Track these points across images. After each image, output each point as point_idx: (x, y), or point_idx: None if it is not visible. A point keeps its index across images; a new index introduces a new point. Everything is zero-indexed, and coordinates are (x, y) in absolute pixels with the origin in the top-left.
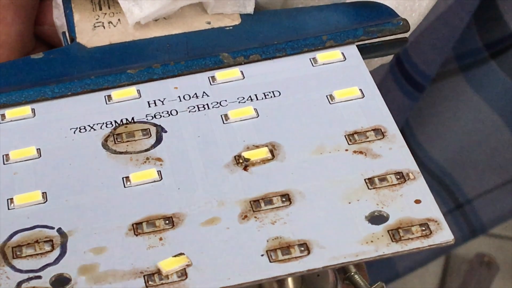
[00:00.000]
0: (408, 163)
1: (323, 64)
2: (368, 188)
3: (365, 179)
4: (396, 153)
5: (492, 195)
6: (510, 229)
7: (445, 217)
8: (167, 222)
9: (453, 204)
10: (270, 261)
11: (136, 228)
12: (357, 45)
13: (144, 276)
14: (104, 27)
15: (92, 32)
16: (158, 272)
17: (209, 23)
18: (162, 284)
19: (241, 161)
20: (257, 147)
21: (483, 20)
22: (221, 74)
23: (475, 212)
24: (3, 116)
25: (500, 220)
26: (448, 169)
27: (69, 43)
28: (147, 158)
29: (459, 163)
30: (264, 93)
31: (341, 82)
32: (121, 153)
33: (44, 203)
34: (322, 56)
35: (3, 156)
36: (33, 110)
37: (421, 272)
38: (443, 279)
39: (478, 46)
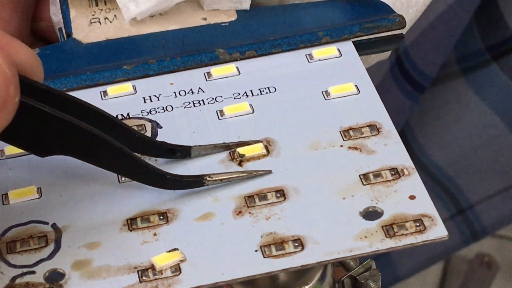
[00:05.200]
0: (403, 159)
1: (319, 60)
2: (363, 184)
3: (359, 175)
4: (391, 149)
5: (495, 200)
6: (510, 229)
7: (447, 222)
8: (161, 217)
9: (455, 209)
10: (264, 257)
11: (131, 223)
12: (353, 41)
13: (138, 271)
14: (100, 23)
15: (88, 28)
16: (152, 267)
17: (205, 19)
18: (156, 279)
19: (236, 156)
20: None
21: (485, 22)
22: (216, 70)
23: (478, 217)
24: None
25: (502, 225)
26: (450, 173)
27: (66, 39)
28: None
29: (461, 167)
30: (259, 89)
31: (336, 78)
32: None
33: (38, 198)
34: (318, 52)
35: None
36: None
37: (422, 272)
38: (443, 279)
39: (479, 48)
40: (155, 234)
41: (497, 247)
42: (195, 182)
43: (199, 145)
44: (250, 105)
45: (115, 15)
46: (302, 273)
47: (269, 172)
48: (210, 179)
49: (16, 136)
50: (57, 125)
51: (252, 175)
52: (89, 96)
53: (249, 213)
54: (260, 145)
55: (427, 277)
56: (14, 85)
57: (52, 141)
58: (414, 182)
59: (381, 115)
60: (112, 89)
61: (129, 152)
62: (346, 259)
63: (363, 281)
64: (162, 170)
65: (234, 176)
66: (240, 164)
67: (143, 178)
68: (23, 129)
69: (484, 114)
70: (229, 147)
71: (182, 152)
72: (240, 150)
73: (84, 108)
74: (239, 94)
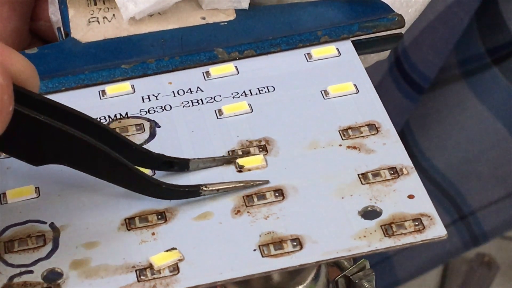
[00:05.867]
0: (402, 158)
1: (318, 59)
2: (362, 183)
3: (358, 174)
4: (390, 148)
5: (496, 206)
6: (510, 229)
7: (449, 227)
8: (159, 217)
9: (457, 215)
10: (263, 256)
11: (129, 223)
12: (352, 41)
13: (136, 270)
14: (98, 22)
15: (87, 27)
16: (150, 266)
17: (204, 18)
18: (154, 278)
19: (234, 157)
20: (251, 142)
21: (486, 25)
22: (215, 69)
23: (479, 223)
24: None
25: (503, 231)
26: (451, 178)
27: (64, 38)
28: None
29: (462, 172)
30: (258, 88)
31: (335, 77)
32: None
33: (36, 198)
34: (317, 51)
35: None
36: None
37: None
38: (443, 279)
39: (480, 52)
40: (153, 234)
41: (497, 247)
42: (191, 192)
43: (198, 158)
44: (248, 104)
45: (113, 15)
46: (296, 273)
47: (267, 182)
48: (207, 189)
49: (10, 145)
50: (51, 134)
51: (249, 185)
52: (87, 95)
53: (248, 212)
54: (261, 156)
55: (427, 277)
56: (8, 95)
57: (47, 150)
58: (413, 182)
59: (380, 114)
60: (111, 89)
61: (124, 162)
62: (344, 259)
63: (357, 281)
64: (157, 179)
65: (231, 186)
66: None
67: (138, 187)
68: (18, 138)
69: (485, 119)
70: (229, 161)
71: (179, 165)
72: (240, 161)
73: (80, 119)
74: (238, 93)
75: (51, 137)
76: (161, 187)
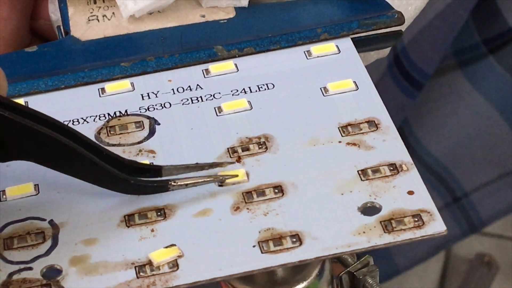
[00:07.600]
0: (402, 154)
1: (318, 56)
2: (361, 180)
3: (358, 171)
4: (389, 145)
5: (490, 188)
6: (510, 229)
7: (443, 211)
8: (159, 213)
9: (451, 198)
10: (262, 252)
11: (128, 219)
12: (351, 38)
13: (135, 267)
14: (98, 21)
15: (87, 25)
16: (150, 263)
17: (203, 16)
18: (154, 275)
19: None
20: (250, 139)
21: (481, 15)
22: (215, 67)
23: (473, 206)
24: None
25: (498, 214)
26: (445, 163)
27: (64, 37)
28: (140, 150)
29: (456, 157)
30: (258, 86)
31: (335, 74)
32: (114, 145)
33: (36, 195)
34: (317, 48)
35: None
36: (26, 103)
37: (421, 272)
38: (443, 279)
39: (476, 41)
40: (152, 230)
41: (497, 247)
42: (160, 187)
43: (171, 165)
44: (248, 101)
45: (113, 13)
46: (300, 269)
47: (235, 175)
48: (175, 184)
49: None
50: (16, 130)
51: (219, 179)
52: (87, 93)
53: (247, 209)
54: (242, 171)
55: (426, 276)
56: None
57: (11, 146)
58: (412, 178)
59: (379, 111)
60: (110, 86)
61: (90, 157)
62: (344, 255)
63: (361, 277)
64: (125, 175)
65: (200, 181)
66: (238, 160)
67: (106, 183)
68: None
69: (480, 106)
70: (202, 168)
71: (152, 173)
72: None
73: (49, 123)
74: (237, 90)
75: (15, 133)
76: (129, 182)
